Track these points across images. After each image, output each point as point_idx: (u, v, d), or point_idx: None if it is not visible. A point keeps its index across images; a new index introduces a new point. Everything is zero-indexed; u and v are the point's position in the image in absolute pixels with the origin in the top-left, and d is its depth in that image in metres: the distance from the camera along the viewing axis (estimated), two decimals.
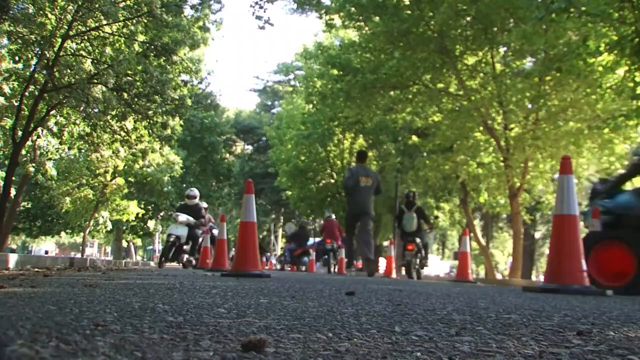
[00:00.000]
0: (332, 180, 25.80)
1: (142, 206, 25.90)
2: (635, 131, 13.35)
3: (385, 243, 22.27)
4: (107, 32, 10.98)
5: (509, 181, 15.19)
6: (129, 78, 11.06)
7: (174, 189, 25.26)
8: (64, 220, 25.72)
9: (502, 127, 15.37)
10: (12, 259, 6.05)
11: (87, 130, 12.55)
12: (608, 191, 6.00)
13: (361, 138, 25.07)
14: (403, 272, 10.36)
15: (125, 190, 22.18)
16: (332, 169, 25.93)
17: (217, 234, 9.83)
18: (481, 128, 15.92)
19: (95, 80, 10.64)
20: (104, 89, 10.64)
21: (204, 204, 12.29)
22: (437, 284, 6.62)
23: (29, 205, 27.31)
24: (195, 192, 12.00)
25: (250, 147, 43.10)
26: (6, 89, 11.24)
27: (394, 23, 14.26)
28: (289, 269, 17.11)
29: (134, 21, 11.05)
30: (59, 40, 10.13)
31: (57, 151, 13.54)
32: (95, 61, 11.11)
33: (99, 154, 13.90)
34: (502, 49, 16.01)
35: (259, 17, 14.47)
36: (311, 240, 19.98)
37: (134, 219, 25.52)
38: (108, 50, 11.25)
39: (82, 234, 26.81)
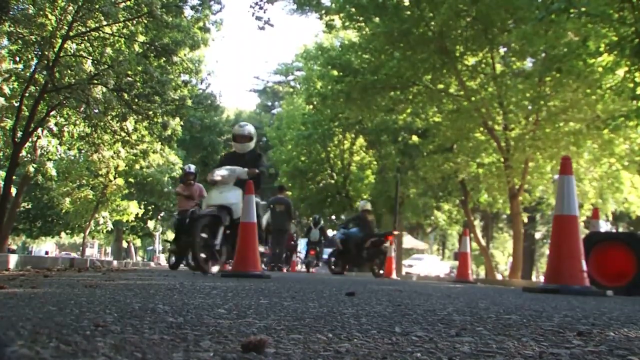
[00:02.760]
0: (332, 181, 25.80)
1: (142, 207, 25.90)
2: (635, 132, 13.35)
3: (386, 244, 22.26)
4: (107, 33, 10.98)
5: (509, 182, 15.19)
6: (129, 79, 11.06)
7: (174, 189, 25.27)
8: (64, 220, 25.72)
9: (502, 127, 15.37)
10: (12, 259, 6.05)
11: (88, 130, 12.56)
12: (346, 224, 12.07)
13: (361, 138, 25.09)
14: (303, 267, 14.39)
15: (126, 191, 22.18)
16: (332, 169, 25.94)
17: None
18: (481, 128, 15.93)
19: (96, 81, 10.65)
20: (104, 89, 10.64)
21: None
22: (437, 284, 6.62)
23: (29, 206, 27.32)
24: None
25: None
26: (6, 89, 11.25)
27: (394, 24, 14.26)
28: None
29: (134, 22, 11.06)
30: (59, 40, 10.14)
31: (57, 150, 13.53)
32: (96, 62, 11.12)
33: (100, 154, 13.91)
34: (502, 50, 16.01)
35: (259, 18, 14.46)
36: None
37: (133, 219, 25.52)
38: (108, 50, 11.26)
39: (82, 234, 26.82)
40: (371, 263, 11.24)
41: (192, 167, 9.66)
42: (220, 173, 6.23)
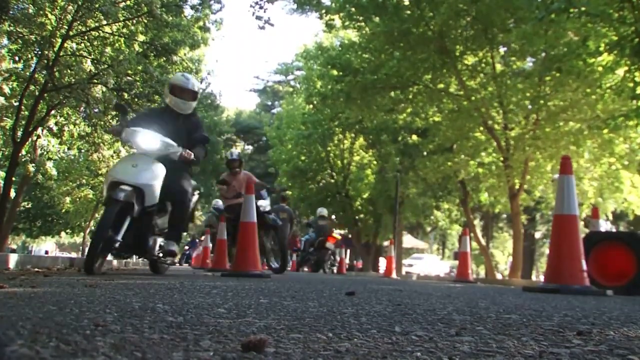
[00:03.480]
0: (332, 181, 25.80)
1: None
2: (635, 131, 13.36)
3: (385, 243, 22.29)
4: (107, 32, 10.98)
5: (509, 181, 15.20)
6: (129, 78, 11.06)
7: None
8: (64, 220, 25.73)
9: (502, 127, 15.38)
10: (12, 259, 6.05)
11: (88, 130, 12.56)
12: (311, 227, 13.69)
13: (361, 138, 25.10)
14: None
15: None
16: (332, 169, 25.95)
17: (219, 232, 8.03)
18: (481, 128, 15.93)
19: (96, 81, 10.65)
20: (104, 89, 10.64)
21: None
22: (437, 284, 6.63)
23: (29, 206, 27.33)
24: None
25: (250, 147, 43.11)
26: (6, 89, 11.25)
27: (394, 23, 14.26)
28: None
29: (134, 21, 11.06)
30: (59, 40, 10.14)
31: (57, 150, 13.54)
32: (95, 61, 11.12)
33: (100, 154, 13.91)
34: (502, 49, 16.01)
35: (259, 17, 14.46)
36: None
37: None
38: (108, 50, 11.25)
39: (82, 234, 26.80)
40: (309, 262, 13.06)
41: (236, 153, 8.30)
42: (147, 142, 4.56)
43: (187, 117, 5.14)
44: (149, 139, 4.58)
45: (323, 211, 14.21)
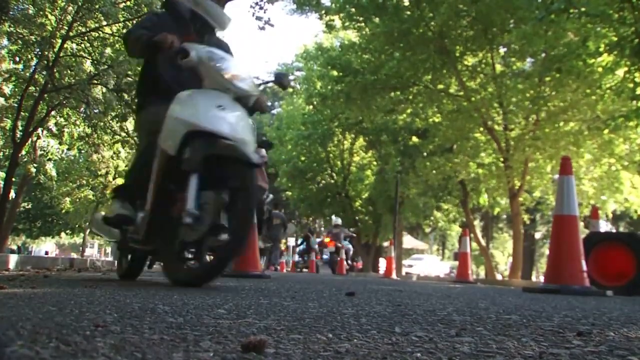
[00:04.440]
0: (332, 181, 25.80)
1: None
2: (635, 132, 13.36)
3: (385, 243, 22.29)
4: (107, 33, 10.99)
5: (509, 182, 15.20)
6: (129, 79, 11.06)
7: None
8: (64, 220, 25.74)
9: (502, 127, 15.39)
10: (12, 259, 6.05)
11: (88, 131, 12.57)
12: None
13: (361, 138, 25.11)
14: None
15: None
16: (332, 169, 25.95)
17: None
18: (481, 129, 15.94)
19: (96, 81, 10.65)
20: (104, 89, 10.64)
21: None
22: (437, 284, 6.63)
23: (29, 206, 27.34)
24: None
25: None
26: (6, 89, 11.26)
27: (394, 24, 14.27)
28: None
29: (134, 22, 11.06)
30: (59, 41, 10.15)
31: (57, 152, 13.56)
32: (96, 62, 11.12)
33: (100, 154, 13.92)
34: (502, 50, 16.02)
35: (259, 18, 14.41)
36: None
37: None
38: (108, 51, 11.25)
39: (82, 234, 26.79)
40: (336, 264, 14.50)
41: None
42: (235, 67, 2.74)
43: (213, 35, 3.19)
44: (243, 67, 2.76)
45: (338, 220, 16.00)
